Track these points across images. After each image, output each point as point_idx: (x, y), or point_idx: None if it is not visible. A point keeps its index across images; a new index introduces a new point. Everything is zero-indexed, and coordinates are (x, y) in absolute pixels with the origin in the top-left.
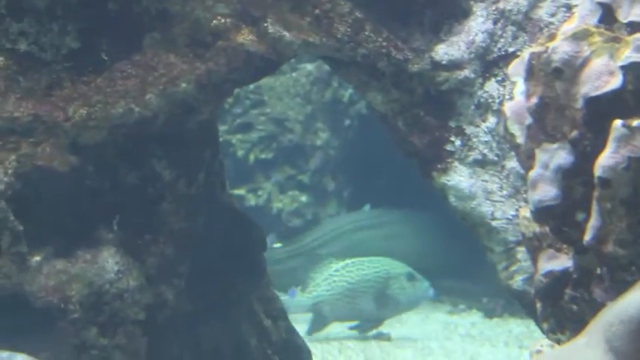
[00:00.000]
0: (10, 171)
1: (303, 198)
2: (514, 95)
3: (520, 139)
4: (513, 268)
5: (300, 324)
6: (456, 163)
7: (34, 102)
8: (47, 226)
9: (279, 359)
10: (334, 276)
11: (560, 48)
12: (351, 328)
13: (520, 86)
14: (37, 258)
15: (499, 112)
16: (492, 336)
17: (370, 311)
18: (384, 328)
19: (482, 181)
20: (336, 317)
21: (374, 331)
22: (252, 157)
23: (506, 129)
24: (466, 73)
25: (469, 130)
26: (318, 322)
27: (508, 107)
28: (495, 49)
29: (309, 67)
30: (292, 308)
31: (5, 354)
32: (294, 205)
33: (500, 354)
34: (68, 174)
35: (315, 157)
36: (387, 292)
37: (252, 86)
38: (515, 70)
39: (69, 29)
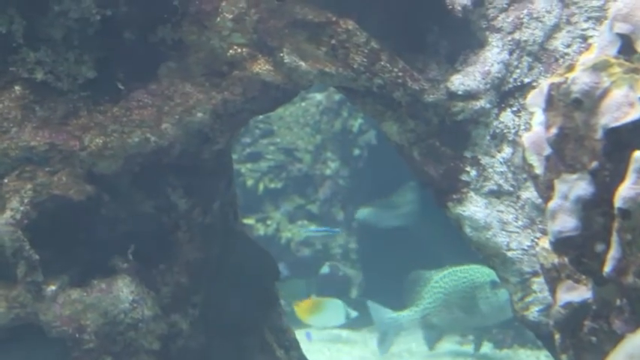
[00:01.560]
0: (26, 200)
1: (313, 228)
2: (532, 126)
3: (539, 170)
4: (529, 299)
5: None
6: (472, 194)
7: (50, 131)
8: (63, 255)
9: None
10: (435, 287)
11: (580, 79)
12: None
13: (538, 117)
14: (53, 287)
15: (515, 143)
16: None
17: (464, 322)
18: (394, 358)
19: (498, 211)
20: (446, 328)
21: None
22: (261, 186)
23: (524, 159)
24: (482, 103)
25: (484, 160)
26: (432, 335)
27: (526, 138)
28: (511, 80)
29: (319, 96)
30: (404, 324)
31: None
32: (303, 235)
33: None
34: (84, 203)
35: (324, 187)
36: (474, 302)
37: (261, 116)
38: (534, 100)
39: (85, 59)
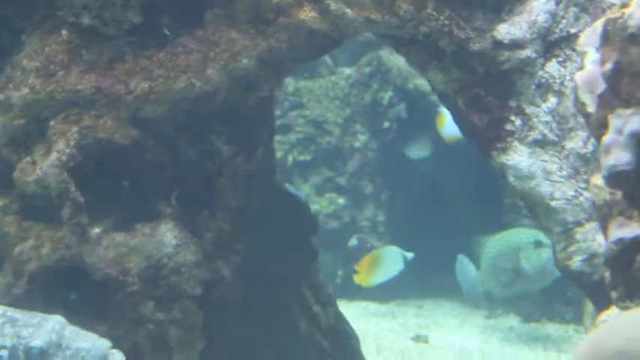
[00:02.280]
0: (72, 142)
1: (341, 200)
2: (585, 65)
3: (591, 108)
4: (572, 248)
5: None
6: (516, 143)
7: (97, 75)
8: (107, 198)
9: (327, 345)
10: (487, 253)
11: (637, 14)
12: None
13: (591, 55)
14: (97, 230)
15: (560, 93)
16: (531, 340)
17: (513, 285)
18: (421, 331)
19: (542, 161)
20: (499, 293)
21: (412, 334)
22: (290, 158)
23: (576, 98)
24: (528, 52)
25: (529, 109)
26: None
27: (579, 76)
28: (557, 30)
29: (348, 70)
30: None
31: (37, 318)
32: (331, 208)
33: (539, 358)
34: (129, 147)
35: (353, 160)
36: (519, 264)
37: (290, 89)
38: (588, 39)
39: (131, 4)
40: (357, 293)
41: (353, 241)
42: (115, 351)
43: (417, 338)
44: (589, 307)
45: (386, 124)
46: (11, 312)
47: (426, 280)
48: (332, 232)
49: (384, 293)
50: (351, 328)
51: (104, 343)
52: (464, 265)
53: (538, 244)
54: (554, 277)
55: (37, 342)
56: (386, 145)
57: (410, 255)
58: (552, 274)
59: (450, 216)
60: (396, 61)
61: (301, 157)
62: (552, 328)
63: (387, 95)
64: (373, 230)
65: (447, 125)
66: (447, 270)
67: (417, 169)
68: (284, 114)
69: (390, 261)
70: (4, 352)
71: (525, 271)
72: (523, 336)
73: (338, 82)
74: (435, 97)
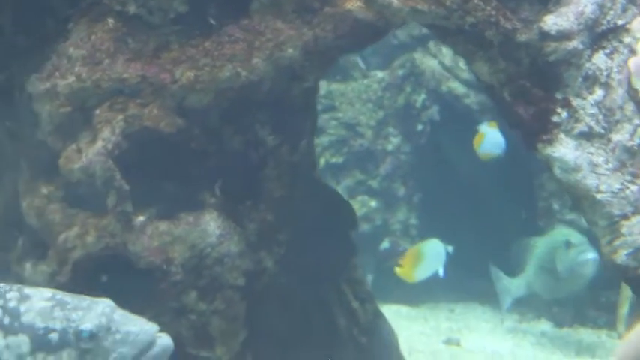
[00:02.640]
0: (117, 130)
1: (373, 203)
2: (638, 51)
3: None
4: (617, 242)
5: None
6: (562, 135)
7: (142, 63)
8: (151, 187)
9: (366, 341)
10: (530, 255)
11: None
12: None
13: None
14: (142, 218)
15: (607, 85)
16: (563, 345)
17: (554, 287)
18: (453, 334)
19: (588, 153)
20: (544, 295)
21: (443, 337)
22: (322, 160)
23: (629, 85)
24: (574, 44)
25: (576, 102)
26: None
27: (632, 63)
28: (604, 22)
29: (381, 74)
30: (512, 290)
31: (86, 301)
32: (363, 210)
33: None
34: (174, 136)
35: (385, 163)
36: (554, 265)
37: (323, 91)
38: None
39: None
40: (389, 296)
41: (385, 244)
42: (163, 334)
43: (449, 341)
44: (622, 312)
45: (419, 127)
46: (60, 295)
47: (458, 284)
48: (364, 235)
49: (416, 296)
50: (389, 324)
51: (152, 327)
52: (496, 273)
53: (568, 244)
54: (586, 278)
55: (87, 325)
56: (419, 147)
57: (450, 248)
58: (582, 275)
59: (482, 219)
60: (429, 63)
61: (333, 160)
62: (585, 334)
63: (420, 98)
64: (405, 233)
65: (485, 144)
66: (478, 274)
67: (451, 173)
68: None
69: (432, 255)
70: (54, 335)
71: (560, 273)
72: (555, 341)
73: (371, 84)
74: (469, 100)
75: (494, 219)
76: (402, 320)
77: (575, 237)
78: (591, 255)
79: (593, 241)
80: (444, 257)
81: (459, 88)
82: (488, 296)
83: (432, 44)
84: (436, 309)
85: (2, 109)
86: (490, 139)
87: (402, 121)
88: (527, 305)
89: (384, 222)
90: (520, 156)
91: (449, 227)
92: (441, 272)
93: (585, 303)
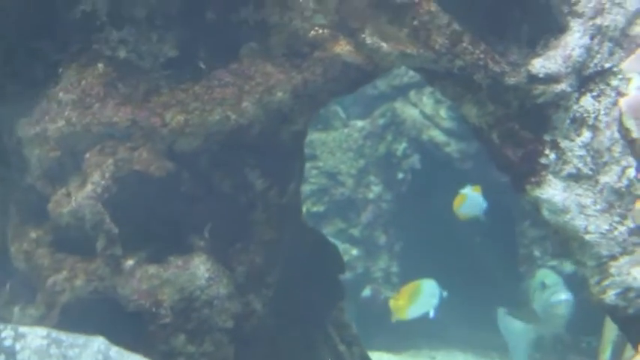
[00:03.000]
0: (107, 174)
1: (354, 251)
2: (629, 90)
3: (636, 134)
4: (606, 282)
5: None
6: (550, 177)
7: (133, 108)
8: (141, 230)
9: None
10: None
11: None
12: None
13: (636, 81)
14: (131, 262)
15: (594, 127)
16: None
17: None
18: None
19: (576, 195)
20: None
21: None
22: (304, 209)
23: (621, 124)
24: (562, 87)
25: (564, 144)
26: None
27: (624, 102)
28: (592, 65)
29: (361, 123)
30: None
31: (82, 339)
32: (345, 258)
33: None
34: (164, 179)
35: (366, 211)
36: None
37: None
38: (631, 66)
39: (167, 38)
40: (371, 343)
41: (366, 292)
42: None
43: None
44: (604, 358)
45: (400, 175)
46: (55, 333)
47: (440, 331)
48: (345, 282)
49: (397, 343)
50: None
51: None
52: (505, 318)
53: (542, 285)
54: (563, 318)
55: None
56: (400, 196)
57: (445, 293)
58: (557, 315)
59: (464, 267)
60: (410, 112)
61: (315, 208)
62: None
63: (401, 146)
64: (387, 281)
65: (465, 205)
66: (460, 322)
67: (432, 221)
68: None
69: (428, 295)
70: None
71: (538, 314)
72: None
73: (351, 134)
74: (449, 149)
75: (475, 267)
76: None
77: (551, 278)
78: (564, 296)
79: (570, 282)
80: (438, 300)
81: (439, 136)
82: (469, 344)
83: (412, 93)
84: (418, 356)
85: None
86: (471, 200)
87: (383, 169)
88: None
89: (366, 270)
90: (501, 204)
91: (430, 275)
92: (432, 314)
93: (567, 348)
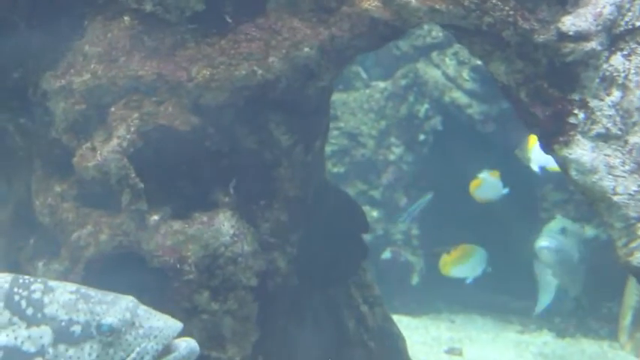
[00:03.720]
0: (132, 128)
1: (375, 213)
2: None
3: None
4: (633, 244)
5: None
6: (579, 137)
7: (158, 61)
8: (166, 186)
9: (374, 345)
10: None
11: None
12: None
13: None
14: (155, 217)
15: (624, 87)
16: (565, 356)
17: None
18: (455, 344)
19: (605, 155)
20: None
21: (445, 347)
22: None
23: None
24: (592, 45)
25: (593, 103)
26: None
27: None
28: (622, 23)
29: (383, 84)
30: None
31: (111, 296)
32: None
33: None
34: (189, 134)
35: (387, 172)
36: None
37: None
38: None
39: None
40: (390, 306)
41: (386, 254)
42: (189, 339)
43: (451, 351)
44: (625, 323)
45: (422, 137)
46: (84, 289)
47: (459, 295)
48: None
49: (417, 307)
50: (397, 329)
51: (176, 324)
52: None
53: (563, 231)
54: (550, 265)
55: (109, 319)
56: (421, 158)
57: (489, 269)
58: (544, 262)
59: (485, 230)
60: (432, 73)
61: (335, 169)
62: (587, 344)
63: (423, 108)
64: (407, 244)
65: (481, 189)
66: (479, 285)
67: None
68: None
69: (476, 262)
70: (77, 328)
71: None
72: (557, 351)
73: (373, 94)
74: (472, 110)
75: (495, 230)
76: (403, 330)
77: (553, 224)
78: (544, 243)
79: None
80: (481, 271)
81: (461, 98)
82: (488, 308)
83: (434, 54)
84: (437, 320)
85: (16, 107)
86: (487, 184)
87: (405, 131)
88: (530, 316)
89: (386, 232)
90: (523, 169)
91: (451, 237)
92: (469, 279)
93: (587, 314)
